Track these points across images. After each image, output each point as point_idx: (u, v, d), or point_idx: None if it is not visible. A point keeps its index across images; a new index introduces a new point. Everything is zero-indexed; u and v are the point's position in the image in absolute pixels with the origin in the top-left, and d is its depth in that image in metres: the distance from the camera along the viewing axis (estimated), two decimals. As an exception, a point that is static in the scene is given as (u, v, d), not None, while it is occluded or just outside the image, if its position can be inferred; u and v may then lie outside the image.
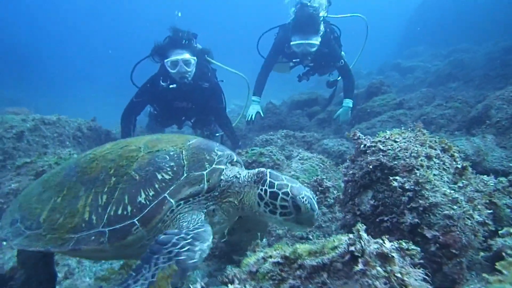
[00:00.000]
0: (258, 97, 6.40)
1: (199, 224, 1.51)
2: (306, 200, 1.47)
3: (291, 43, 5.88)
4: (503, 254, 1.38)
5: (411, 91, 10.62)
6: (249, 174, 1.66)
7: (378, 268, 0.94)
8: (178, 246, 1.31)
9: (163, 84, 5.07)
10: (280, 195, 1.50)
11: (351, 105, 6.23)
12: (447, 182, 1.59)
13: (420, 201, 1.50)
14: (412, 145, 1.66)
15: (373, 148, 1.69)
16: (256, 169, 1.67)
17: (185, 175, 1.58)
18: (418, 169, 1.57)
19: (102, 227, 1.51)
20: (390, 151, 1.65)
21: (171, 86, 5.07)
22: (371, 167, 1.65)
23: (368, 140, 1.74)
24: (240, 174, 1.68)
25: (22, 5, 39.49)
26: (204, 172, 1.60)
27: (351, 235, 1.03)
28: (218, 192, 1.64)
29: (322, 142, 4.67)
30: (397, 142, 1.69)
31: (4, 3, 37.64)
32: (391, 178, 1.57)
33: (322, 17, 5.93)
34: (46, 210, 1.69)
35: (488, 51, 11.89)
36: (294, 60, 6.28)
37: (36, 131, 4.15)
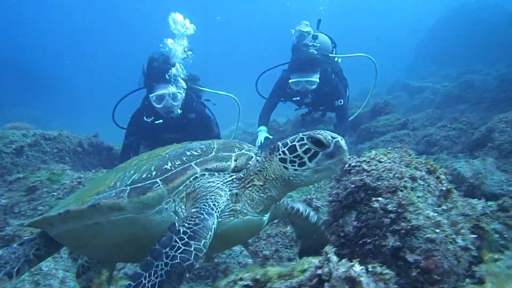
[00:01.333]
0: (264, 126, 6.30)
1: (204, 215, 1.45)
2: (321, 133, 1.53)
3: (290, 80, 5.88)
4: (486, 281, 1.34)
5: (418, 111, 10.61)
6: (264, 153, 1.71)
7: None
8: (174, 249, 1.31)
9: (147, 120, 5.00)
10: (297, 143, 1.54)
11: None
12: (431, 204, 1.56)
13: (402, 224, 1.46)
14: (397, 166, 1.64)
15: (358, 168, 1.67)
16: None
17: (213, 153, 1.64)
18: (401, 190, 1.55)
19: (125, 187, 1.56)
20: (374, 171, 1.63)
21: (156, 122, 4.99)
22: (354, 187, 1.63)
23: (354, 160, 1.73)
24: (260, 158, 1.71)
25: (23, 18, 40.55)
26: (233, 154, 1.66)
27: (320, 258, 1.01)
28: (244, 175, 1.65)
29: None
30: (382, 162, 1.67)
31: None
32: (373, 199, 1.54)
33: (322, 56, 6.02)
34: (73, 196, 1.80)
35: (500, 73, 11.89)
36: (294, 99, 6.19)
37: (36, 146, 4.22)
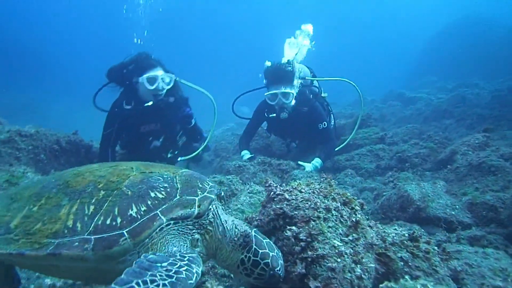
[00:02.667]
0: (245, 150, 5.96)
1: (189, 250, 1.56)
2: (281, 271, 1.61)
3: (265, 94, 5.68)
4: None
5: (408, 122, 10.76)
6: (236, 231, 1.71)
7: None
8: (177, 266, 1.33)
9: (126, 107, 4.88)
10: (261, 265, 1.60)
11: (318, 166, 5.51)
12: (341, 234, 1.71)
13: (309, 252, 1.62)
14: (315, 197, 1.80)
15: (280, 197, 1.83)
16: (243, 229, 1.72)
17: (178, 197, 1.63)
18: (314, 221, 1.70)
19: (88, 235, 1.47)
20: (293, 201, 1.79)
21: (146, 104, 4.83)
22: (274, 214, 1.78)
23: (278, 189, 1.88)
24: (226, 223, 1.73)
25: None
26: (196, 198, 1.65)
27: None
28: (206, 222, 1.68)
29: (293, 172, 4.79)
30: (302, 192, 1.83)
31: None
32: (287, 227, 1.70)
33: (295, 73, 5.67)
34: (18, 217, 1.59)
35: (494, 88, 12.00)
36: (270, 116, 5.81)
37: (10, 143, 4.14)
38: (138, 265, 1.30)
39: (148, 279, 1.22)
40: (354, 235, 1.71)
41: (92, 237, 1.45)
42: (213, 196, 1.70)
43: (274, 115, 5.69)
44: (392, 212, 3.26)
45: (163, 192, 1.63)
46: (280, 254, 1.66)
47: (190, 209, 1.60)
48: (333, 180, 1.96)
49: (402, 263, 1.81)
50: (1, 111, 17.32)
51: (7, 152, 4.07)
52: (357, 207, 1.84)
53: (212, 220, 1.70)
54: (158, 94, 4.90)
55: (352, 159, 5.90)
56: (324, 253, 1.61)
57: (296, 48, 6.37)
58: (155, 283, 1.20)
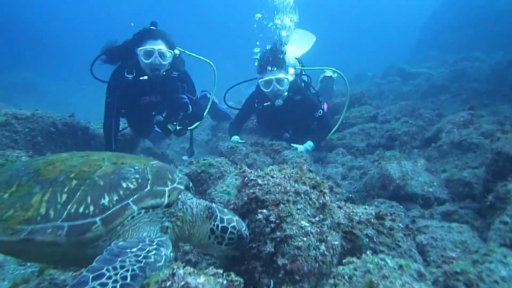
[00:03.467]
0: (236, 136, 5.96)
1: (159, 234, 1.67)
2: (247, 233, 1.75)
3: (259, 80, 5.61)
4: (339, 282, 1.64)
5: (406, 99, 10.78)
6: (200, 207, 1.83)
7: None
8: (145, 251, 1.41)
9: (128, 76, 4.78)
10: (230, 229, 1.73)
11: (309, 149, 5.69)
12: (308, 216, 1.85)
13: (278, 233, 1.77)
14: (285, 182, 1.93)
15: (253, 182, 1.96)
16: (205, 203, 1.86)
17: (149, 187, 1.71)
18: (283, 204, 1.84)
19: (61, 222, 1.52)
20: (265, 185, 1.92)
21: (141, 78, 4.74)
22: (247, 199, 1.92)
23: (252, 174, 2.01)
24: (193, 205, 1.84)
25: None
26: (166, 188, 1.75)
27: (166, 271, 1.29)
28: (175, 210, 1.78)
29: (284, 152, 4.91)
30: (274, 178, 1.95)
31: None
32: (259, 210, 1.84)
33: (287, 60, 5.73)
34: None
35: (495, 62, 11.87)
36: (265, 104, 5.69)
37: (6, 126, 4.22)
38: (109, 252, 1.37)
39: (118, 265, 1.29)
40: (321, 216, 1.85)
41: (66, 224, 1.51)
42: (182, 187, 1.81)
43: (269, 103, 5.63)
44: (374, 190, 3.40)
45: (134, 183, 1.70)
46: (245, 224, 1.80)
47: (160, 199, 1.70)
48: (305, 166, 2.08)
49: (367, 240, 1.97)
50: (2, 90, 17.60)
51: (4, 135, 4.14)
52: (325, 190, 1.97)
53: (181, 207, 1.80)
54: (155, 68, 4.78)
55: (344, 138, 6.02)
56: (292, 233, 1.75)
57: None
58: (125, 268, 1.27)
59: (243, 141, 5.55)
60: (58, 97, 20.02)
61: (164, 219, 1.75)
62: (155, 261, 1.36)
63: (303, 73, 6.27)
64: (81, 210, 1.55)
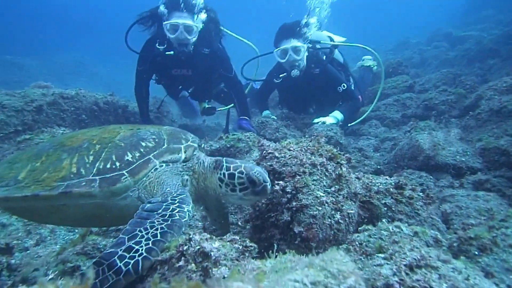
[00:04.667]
0: (267, 111, 5.92)
1: (180, 190, 1.78)
2: (258, 174, 1.75)
3: (275, 50, 5.33)
4: (351, 247, 1.70)
5: (450, 66, 10.15)
6: (210, 161, 1.96)
7: (192, 265, 1.34)
8: (170, 210, 1.57)
9: (159, 47, 4.72)
10: (237, 174, 1.78)
11: (338, 118, 5.31)
12: (324, 186, 1.90)
13: (294, 203, 1.84)
14: (302, 154, 1.98)
15: (271, 155, 2.03)
16: (214, 158, 1.97)
17: (166, 145, 1.88)
18: (299, 175, 1.90)
19: (92, 176, 1.70)
20: (282, 158, 1.99)
21: (167, 53, 4.70)
22: (266, 171, 2.00)
23: (270, 147, 2.08)
24: (205, 159, 1.98)
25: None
26: (182, 146, 1.92)
27: (184, 237, 1.43)
28: (192, 164, 1.94)
29: (313, 126, 4.88)
30: (291, 150, 2.01)
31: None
32: (275, 182, 1.92)
33: (313, 42, 5.46)
34: (23, 171, 1.78)
35: None
36: (281, 75, 5.44)
37: (54, 105, 4.58)
38: (138, 216, 1.54)
39: (148, 226, 1.47)
40: (336, 186, 1.89)
41: (97, 177, 1.69)
42: (195, 145, 1.98)
43: (285, 74, 5.40)
44: (404, 161, 3.34)
45: (152, 142, 1.87)
46: (261, 168, 1.82)
47: (178, 154, 1.88)
48: (323, 138, 2.11)
49: (385, 209, 1.99)
50: (53, 71, 18.92)
51: (53, 113, 4.54)
52: (342, 162, 2.00)
53: (196, 162, 1.96)
54: (182, 44, 4.68)
55: (378, 109, 5.86)
56: (307, 203, 1.82)
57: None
58: (154, 228, 1.45)
59: (274, 116, 5.57)
60: (107, 76, 21.07)
61: (183, 172, 1.91)
62: (180, 218, 1.54)
63: (334, 52, 5.89)
64: (108, 166, 1.73)
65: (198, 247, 1.37)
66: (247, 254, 1.53)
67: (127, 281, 1.31)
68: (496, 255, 1.40)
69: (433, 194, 2.69)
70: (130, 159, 1.77)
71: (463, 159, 3.02)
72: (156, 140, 1.90)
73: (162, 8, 4.72)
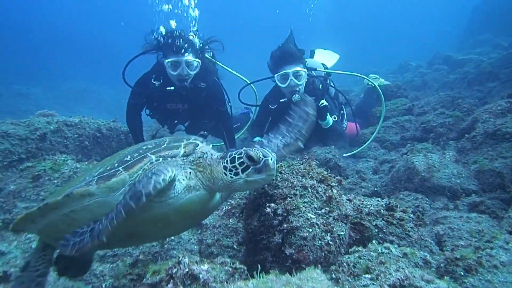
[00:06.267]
0: (259, 137, 5.57)
1: (163, 166, 1.78)
2: (256, 151, 1.73)
3: (276, 74, 5.26)
4: (339, 269, 1.72)
5: (451, 88, 10.28)
6: (218, 155, 1.94)
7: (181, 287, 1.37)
8: (137, 182, 1.66)
9: (155, 83, 4.85)
10: (236, 156, 1.78)
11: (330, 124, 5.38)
12: (315, 208, 1.94)
13: (285, 225, 1.88)
14: (293, 177, 2.03)
15: (263, 178, 2.09)
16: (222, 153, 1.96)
17: (165, 145, 1.92)
18: (290, 197, 1.95)
19: (92, 178, 1.80)
20: (273, 181, 2.04)
21: (168, 88, 4.81)
22: (257, 194, 2.05)
23: (262, 171, 2.13)
24: (213, 154, 1.96)
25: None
26: (182, 143, 1.94)
27: (174, 259, 1.47)
28: (194, 158, 1.91)
29: (312, 149, 4.94)
30: (282, 173, 2.07)
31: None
32: (267, 204, 1.96)
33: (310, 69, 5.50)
34: (51, 195, 2.10)
35: None
36: (281, 100, 5.37)
37: (58, 133, 4.66)
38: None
39: (135, 181, 1.67)
40: (327, 208, 1.93)
41: (96, 177, 1.78)
42: (197, 142, 1.99)
43: (285, 99, 5.32)
44: (401, 183, 3.37)
45: (152, 144, 1.95)
46: (266, 149, 1.81)
47: (176, 150, 1.90)
48: (314, 161, 2.16)
49: (376, 230, 2.01)
50: (59, 99, 19.38)
51: (56, 141, 4.61)
52: (333, 184, 2.04)
53: (201, 156, 1.93)
54: (182, 79, 4.82)
55: (377, 132, 5.91)
56: (298, 225, 1.85)
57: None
58: (138, 179, 1.69)
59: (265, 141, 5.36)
60: (111, 102, 21.49)
61: (184, 166, 1.88)
62: (140, 187, 1.60)
63: (328, 78, 5.97)
64: (108, 168, 1.83)
65: (187, 269, 1.41)
66: (236, 276, 1.56)
67: None
68: (481, 276, 1.42)
69: (428, 216, 2.72)
70: (128, 159, 1.83)
71: (458, 181, 3.04)
72: (157, 143, 1.97)
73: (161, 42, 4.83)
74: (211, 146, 2.07)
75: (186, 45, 4.74)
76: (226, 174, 1.81)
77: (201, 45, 5.00)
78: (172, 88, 4.84)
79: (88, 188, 1.73)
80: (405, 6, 48.04)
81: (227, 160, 1.82)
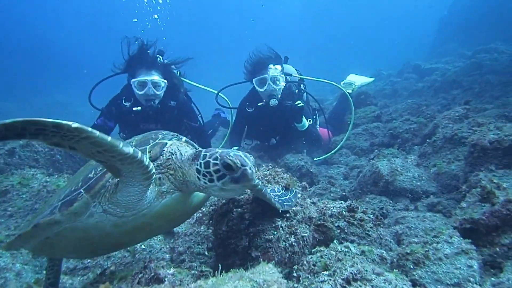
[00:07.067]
0: (236, 146, 5.86)
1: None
2: (234, 157, 1.51)
3: (254, 79, 5.36)
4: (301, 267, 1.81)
5: (419, 96, 10.77)
6: (189, 153, 1.74)
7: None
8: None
9: (125, 104, 4.83)
10: (212, 161, 1.56)
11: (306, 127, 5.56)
12: (283, 212, 2.04)
13: (251, 228, 1.96)
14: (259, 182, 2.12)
15: (231, 185, 2.17)
16: (194, 150, 1.80)
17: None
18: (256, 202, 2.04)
19: (57, 202, 1.70)
20: (241, 187, 2.12)
21: (134, 108, 4.78)
22: (224, 200, 2.13)
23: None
24: (186, 152, 1.76)
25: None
26: (147, 146, 1.74)
27: (140, 265, 1.52)
28: (162, 161, 1.73)
29: (285, 156, 5.06)
30: (249, 179, 2.16)
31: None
32: (235, 209, 2.04)
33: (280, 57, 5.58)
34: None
35: None
36: (259, 104, 5.42)
37: (28, 147, 4.58)
38: None
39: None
40: (291, 211, 2.03)
41: (59, 203, 1.67)
42: (165, 141, 1.80)
43: (263, 103, 5.39)
44: (367, 187, 3.52)
45: None
46: (243, 153, 1.59)
47: None
48: (279, 169, 2.27)
49: (338, 231, 2.13)
50: (32, 113, 18.79)
51: (26, 155, 4.53)
52: (297, 188, 2.15)
53: (169, 157, 1.75)
54: (150, 99, 4.81)
55: (348, 138, 6.12)
56: (263, 228, 1.94)
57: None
58: None
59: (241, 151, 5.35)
60: (87, 115, 21.05)
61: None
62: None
63: (302, 84, 6.13)
64: (73, 188, 1.72)
65: (152, 274, 1.46)
66: (202, 279, 1.62)
67: None
68: (428, 268, 1.55)
69: (391, 217, 2.87)
70: (91, 175, 1.70)
71: (419, 183, 3.22)
72: None
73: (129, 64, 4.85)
74: (184, 140, 1.90)
75: (152, 65, 4.76)
76: (199, 179, 1.62)
77: (168, 64, 5.04)
78: (139, 108, 4.82)
79: (52, 216, 1.65)
80: (379, 14, 49.83)
81: (200, 163, 1.61)
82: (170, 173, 1.73)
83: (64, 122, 1.07)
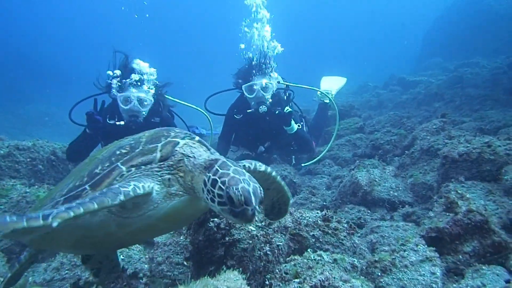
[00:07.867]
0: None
1: (152, 185, 1.56)
2: (240, 192, 1.40)
3: (244, 86, 5.43)
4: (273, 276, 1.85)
5: (403, 108, 11.00)
6: (203, 158, 1.65)
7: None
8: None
9: (110, 122, 4.83)
10: (219, 183, 1.45)
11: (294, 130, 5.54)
12: (256, 221, 2.09)
13: (227, 238, 2.00)
14: (236, 192, 2.17)
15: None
16: (209, 154, 1.69)
17: (140, 148, 1.68)
18: (233, 212, 2.08)
19: (60, 197, 1.64)
20: (218, 197, 2.16)
21: (117, 123, 4.77)
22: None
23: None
24: (200, 156, 1.67)
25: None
26: (159, 144, 1.67)
27: (113, 275, 1.55)
28: (173, 162, 1.64)
29: (270, 165, 5.06)
30: (226, 190, 2.20)
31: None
32: (211, 219, 2.08)
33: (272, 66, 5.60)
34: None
35: (496, 66, 11.97)
36: (248, 111, 5.47)
37: (9, 157, 4.54)
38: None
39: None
40: (267, 221, 2.08)
41: (62, 198, 1.62)
42: (177, 140, 1.71)
43: (252, 110, 5.42)
44: (347, 197, 3.60)
45: (127, 148, 1.71)
46: (254, 186, 1.45)
47: (151, 154, 1.64)
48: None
49: (313, 240, 2.18)
50: (18, 123, 18.44)
51: (7, 165, 4.48)
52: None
53: (181, 158, 1.66)
54: (134, 115, 4.80)
55: (331, 149, 6.23)
56: (239, 237, 1.99)
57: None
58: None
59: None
60: (73, 125, 20.78)
61: (161, 172, 1.64)
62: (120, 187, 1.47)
63: (290, 91, 6.21)
64: (77, 183, 1.66)
65: (124, 283, 1.49)
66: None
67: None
68: (394, 275, 1.61)
69: (368, 226, 2.93)
70: (98, 171, 1.64)
71: (396, 193, 3.31)
72: (132, 144, 1.74)
73: (113, 82, 4.80)
74: (197, 139, 1.80)
75: (139, 82, 4.76)
76: (203, 191, 1.53)
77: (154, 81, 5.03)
78: (122, 123, 4.80)
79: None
80: (368, 27, 51.05)
81: (209, 177, 1.50)
82: (180, 175, 1.65)
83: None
